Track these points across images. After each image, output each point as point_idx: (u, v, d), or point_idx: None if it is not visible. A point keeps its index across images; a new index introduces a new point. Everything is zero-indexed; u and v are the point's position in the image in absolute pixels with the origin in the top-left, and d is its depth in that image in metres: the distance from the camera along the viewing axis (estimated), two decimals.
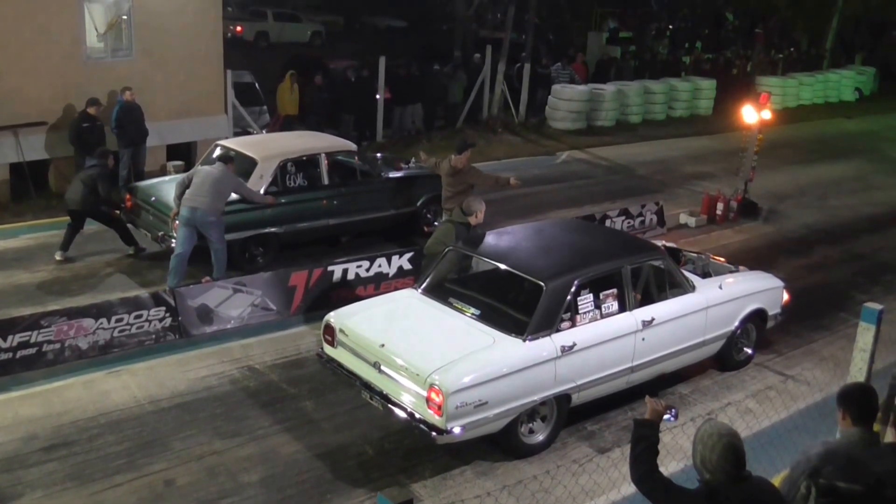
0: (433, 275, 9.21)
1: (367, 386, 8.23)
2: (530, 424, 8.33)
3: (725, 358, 10.09)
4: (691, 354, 9.54)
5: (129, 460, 7.95)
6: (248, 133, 17.58)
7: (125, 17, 15.65)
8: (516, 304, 8.54)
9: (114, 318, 9.66)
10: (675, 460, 7.69)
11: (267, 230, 12.24)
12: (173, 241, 11.45)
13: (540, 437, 8.39)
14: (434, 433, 7.57)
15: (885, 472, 4.98)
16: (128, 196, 12.71)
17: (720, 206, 15.92)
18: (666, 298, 9.14)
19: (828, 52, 34.55)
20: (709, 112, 27.21)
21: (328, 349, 8.78)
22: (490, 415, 7.77)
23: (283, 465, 8.04)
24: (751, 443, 7.90)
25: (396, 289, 10.61)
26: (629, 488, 6.68)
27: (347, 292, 11.40)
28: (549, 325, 8.15)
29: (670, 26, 42.31)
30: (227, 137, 15.45)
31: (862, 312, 9.01)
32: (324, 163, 12.76)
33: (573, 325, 8.33)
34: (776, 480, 5.33)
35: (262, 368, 9.81)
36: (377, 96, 20.13)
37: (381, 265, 11.65)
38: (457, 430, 7.58)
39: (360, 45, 31.01)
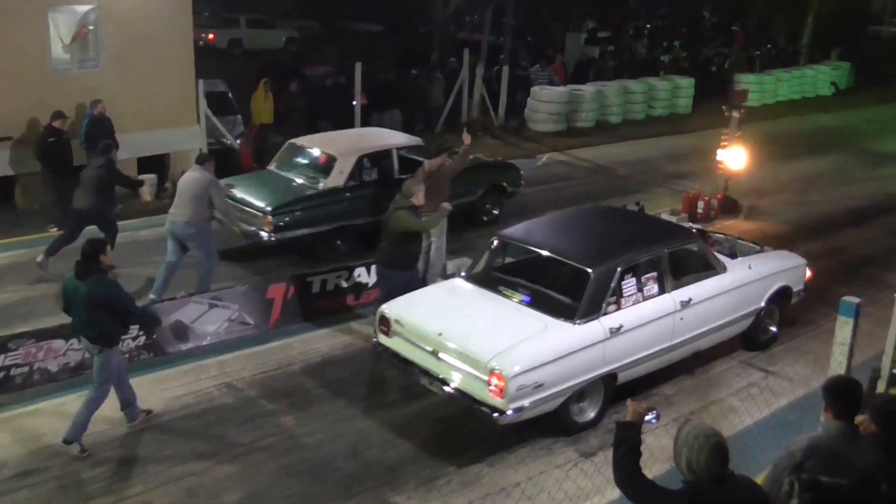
0: (479, 264, 9.77)
1: (426, 373, 8.67)
2: (580, 404, 8.79)
3: (752, 336, 10.59)
4: (724, 332, 10.06)
5: (105, 484, 7.81)
6: (223, 143, 17.40)
7: (91, 27, 15.34)
8: (564, 290, 9.00)
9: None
10: (658, 462, 7.63)
11: (347, 223, 13.02)
12: None
13: (590, 415, 8.86)
14: (496, 414, 8.02)
15: (868, 466, 5.01)
16: None
17: (701, 204, 15.90)
18: (700, 279, 9.65)
19: (804, 48, 34.66)
20: (688, 110, 27.25)
21: (383, 339, 9.23)
22: (546, 395, 8.25)
23: (264, 483, 7.93)
24: (734, 441, 7.87)
25: (377, 299, 10.73)
26: (614, 492, 6.63)
27: (327, 303, 11.31)
28: (596, 309, 8.65)
29: (648, 25, 42.46)
30: (200, 148, 15.36)
31: (840, 306, 9.02)
32: (395, 157, 13.57)
33: (618, 307, 8.83)
34: (760, 478, 5.25)
35: (241, 385, 9.67)
36: (354, 102, 20.00)
37: (361, 275, 11.54)
38: (517, 411, 8.04)
39: (336, 50, 30.78)
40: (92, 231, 11.68)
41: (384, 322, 9.17)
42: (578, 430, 8.74)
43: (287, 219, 12.51)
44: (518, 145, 22.12)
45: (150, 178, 15.65)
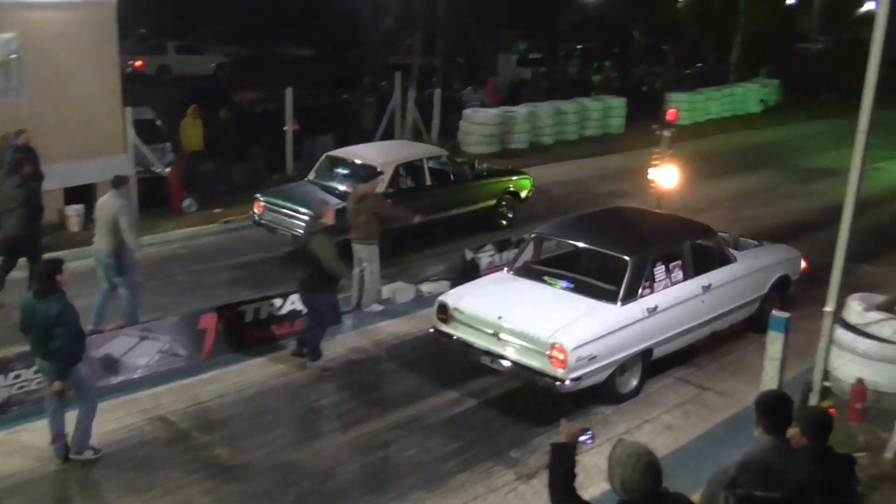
0: (520, 259, 10.83)
1: (487, 352, 9.65)
2: (622, 377, 9.81)
3: (759, 320, 11.37)
4: (737, 314, 11.25)
5: None
6: (152, 171, 17.12)
7: (14, 55, 14.98)
8: (603, 277, 10.08)
9: (11, 375, 9.14)
10: (594, 483, 7.63)
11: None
12: None
13: (633, 383, 9.98)
14: (557, 383, 9.05)
15: (802, 479, 5.08)
16: None
17: None
18: (717, 268, 10.82)
19: (733, 66, 35.31)
20: (620, 130, 27.42)
21: (441, 326, 10.20)
22: (598, 367, 9.32)
23: None
24: (670, 459, 7.93)
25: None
26: None
27: (261, 332, 11.14)
28: (634, 292, 9.79)
29: (579, 46, 42.96)
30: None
31: (770, 321, 9.18)
32: (426, 166, 14.74)
33: (652, 291, 9.95)
34: (695, 496, 5.26)
35: (174, 417, 9.46)
36: (285, 128, 19.83)
37: (294, 302, 11.37)
38: (575, 380, 9.08)
39: (266, 75, 30.53)
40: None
41: (442, 310, 10.13)
42: (622, 400, 9.82)
43: (339, 224, 12.55)
44: None
45: (77, 208, 15.34)
